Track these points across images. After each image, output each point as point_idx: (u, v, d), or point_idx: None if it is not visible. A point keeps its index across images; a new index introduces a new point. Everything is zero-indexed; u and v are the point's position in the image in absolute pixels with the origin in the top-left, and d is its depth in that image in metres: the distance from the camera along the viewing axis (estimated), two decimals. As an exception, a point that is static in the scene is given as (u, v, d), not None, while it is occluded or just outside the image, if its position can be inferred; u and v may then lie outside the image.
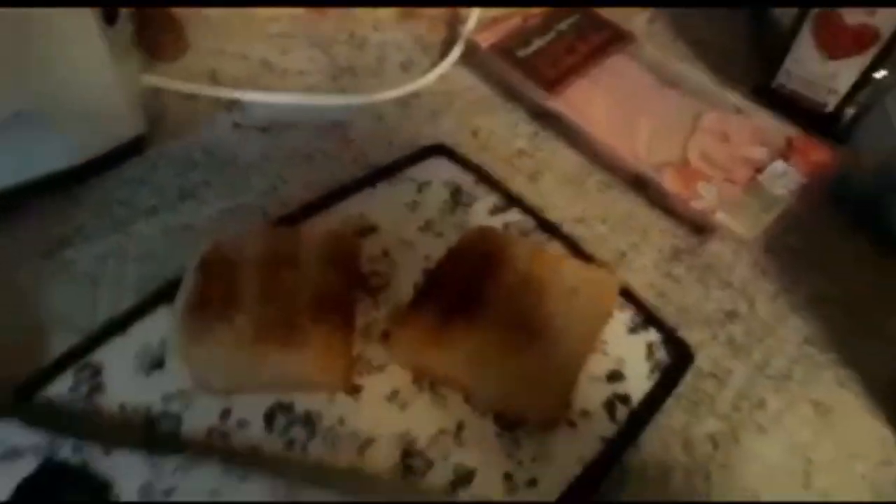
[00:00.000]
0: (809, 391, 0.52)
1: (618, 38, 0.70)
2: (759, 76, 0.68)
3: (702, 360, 0.53)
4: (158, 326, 0.50)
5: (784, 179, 0.60)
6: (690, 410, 0.51)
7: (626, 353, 0.52)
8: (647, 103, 0.64)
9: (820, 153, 0.61)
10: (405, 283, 0.54)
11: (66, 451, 0.45)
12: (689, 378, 0.51)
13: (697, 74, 0.68)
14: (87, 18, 0.52)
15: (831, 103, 0.65)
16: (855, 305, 0.57)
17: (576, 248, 0.56)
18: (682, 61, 0.70)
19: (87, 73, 0.54)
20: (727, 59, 0.72)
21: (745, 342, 0.54)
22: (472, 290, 0.49)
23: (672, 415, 0.50)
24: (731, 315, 0.55)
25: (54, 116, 0.54)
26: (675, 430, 0.50)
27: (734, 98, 0.66)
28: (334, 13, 0.72)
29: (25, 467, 0.45)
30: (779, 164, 0.60)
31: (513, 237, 0.55)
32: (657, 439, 0.49)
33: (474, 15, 0.71)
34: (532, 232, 0.57)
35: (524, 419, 0.48)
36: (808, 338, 0.55)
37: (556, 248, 0.56)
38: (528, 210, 0.59)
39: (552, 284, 0.50)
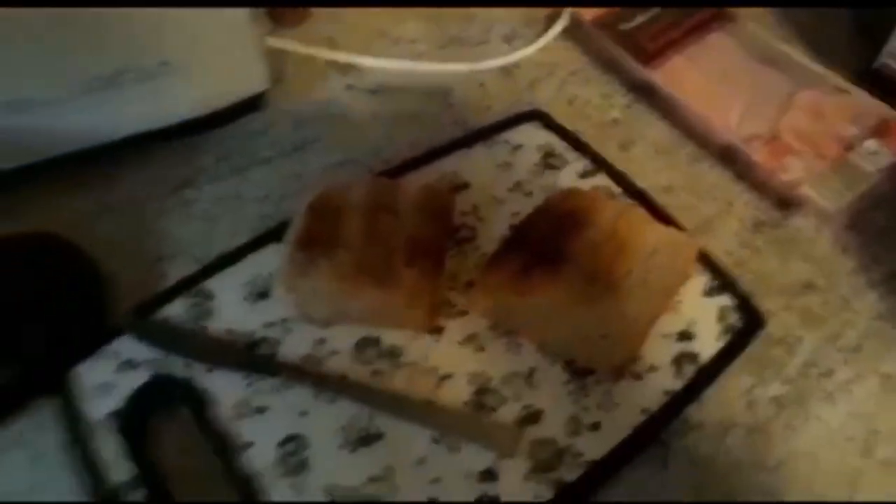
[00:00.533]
0: (879, 365, 0.52)
1: (720, 17, 0.70)
2: (861, 59, 0.67)
3: (774, 327, 0.53)
4: (268, 261, 0.55)
5: (874, 157, 0.59)
6: (757, 374, 0.51)
7: (699, 315, 0.53)
8: (744, 80, 0.65)
9: (915, 135, 0.61)
10: (492, 237, 0.56)
11: (176, 366, 0.51)
12: (759, 343, 0.52)
13: (798, 54, 0.67)
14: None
15: (933, 86, 0.63)
16: (938, 285, 0.56)
17: (660, 214, 0.58)
18: (783, 42, 0.69)
19: (226, 31, 0.59)
20: (831, 41, 0.71)
21: (819, 313, 0.54)
22: (556, 244, 0.51)
23: (739, 377, 0.51)
24: (808, 286, 0.56)
25: (192, 68, 0.58)
26: (740, 391, 0.51)
27: (833, 78, 0.65)
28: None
29: (139, 378, 0.50)
30: (871, 143, 0.60)
31: (600, 197, 0.57)
32: (723, 399, 0.50)
33: (579, -11, 0.73)
34: (619, 197, 0.59)
35: (593, 368, 0.50)
36: (882, 314, 0.54)
37: (640, 213, 0.57)
38: (616, 175, 0.60)
39: (634, 244, 0.52)
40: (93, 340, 0.52)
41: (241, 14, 0.59)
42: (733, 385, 0.51)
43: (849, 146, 0.60)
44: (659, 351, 0.51)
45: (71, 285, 0.53)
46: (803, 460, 0.48)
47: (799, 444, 0.48)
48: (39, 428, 0.49)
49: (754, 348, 0.52)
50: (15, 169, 0.57)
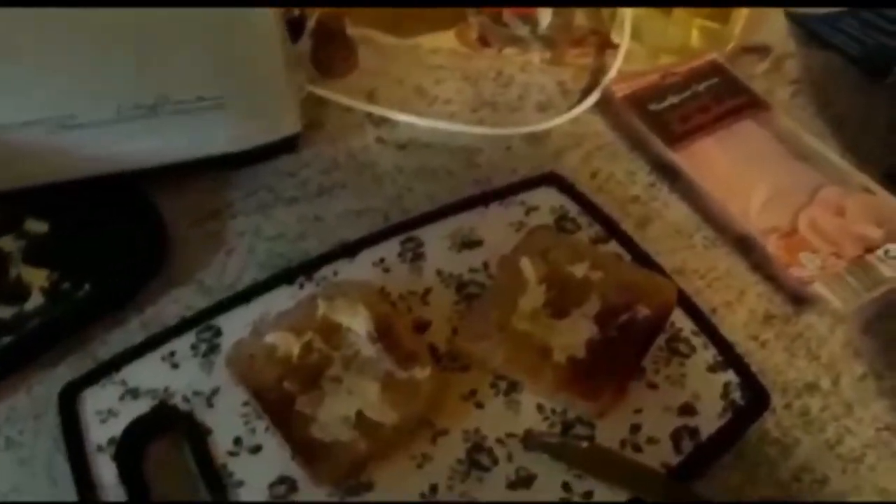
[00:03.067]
0: (879, 478, 0.47)
1: (753, 105, 0.66)
2: (894, 159, 0.63)
3: (771, 426, 0.49)
4: (277, 302, 0.53)
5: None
6: (749, 472, 0.47)
7: (703, 389, 0.49)
8: (768, 170, 0.61)
9: (941, 243, 0.55)
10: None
11: (177, 398, 0.49)
12: (753, 441, 0.48)
13: (828, 150, 0.63)
14: (273, 29, 0.56)
15: (963, 194, 0.58)
16: (950, 400, 0.51)
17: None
18: (816, 136, 0.65)
19: (261, 76, 0.58)
20: (866, 139, 0.66)
21: (819, 416, 0.49)
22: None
23: (730, 474, 0.46)
24: (812, 388, 0.51)
25: (228, 105, 0.57)
26: (729, 487, 0.46)
27: (861, 177, 0.60)
28: (489, 52, 0.73)
29: (141, 407, 0.48)
30: (893, 247, 0.55)
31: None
32: (710, 495, 0.45)
33: (616, 66, 0.69)
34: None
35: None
36: (889, 425, 0.49)
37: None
38: (627, 242, 0.57)
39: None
40: (152, 264, 0.56)
41: (278, 59, 0.57)
42: (722, 481, 0.46)
43: (869, 248, 0.55)
44: (659, 423, 0.47)
45: (134, 220, 0.58)
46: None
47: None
48: (33, 433, 0.48)
49: (748, 446, 0.47)
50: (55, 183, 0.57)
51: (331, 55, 0.71)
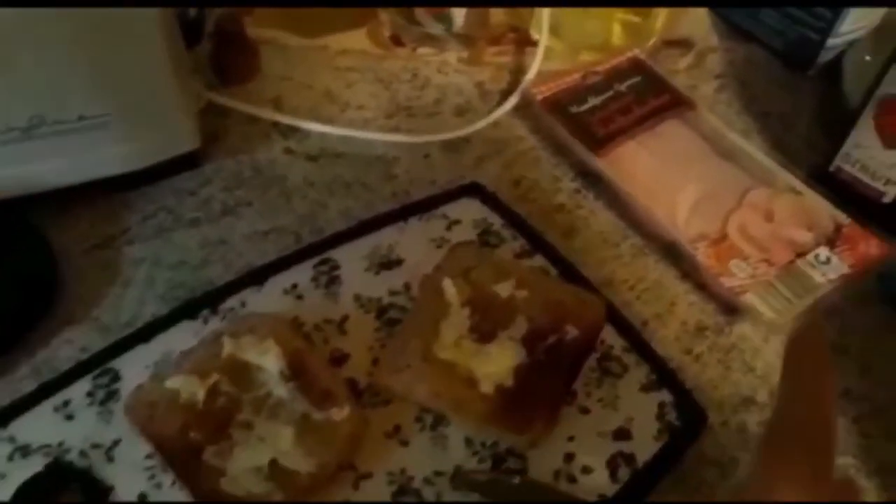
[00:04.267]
0: (820, 494, 0.47)
1: (677, 104, 0.65)
2: (820, 159, 0.63)
3: (708, 446, 0.48)
4: (179, 339, 0.50)
5: (826, 267, 0.54)
6: (688, 497, 0.46)
7: (637, 411, 0.48)
8: (696, 172, 0.60)
9: (870, 244, 0.56)
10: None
11: (74, 454, 0.45)
12: (691, 463, 0.47)
13: (754, 149, 0.63)
14: (158, 34, 0.52)
15: (890, 194, 0.58)
16: (887, 410, 0.51)
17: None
18: (741, 134, 0.65)
19: (149, 88, 0.54)
20: (791, 136, 0.67)
21: (758, 432, 0.49)
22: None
23: (666, 497, 0.45)
24: (748, 402, 0.50)
25: (115, 124, 0.53)
26: (667, 513, 0.45)
27: (788, 177, 0.60)
28: (402, 52, 0.71)
29: (33, 466, 0.45)
30: (823, 251, 0.55)
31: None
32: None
33: (535, 65, 0.68)
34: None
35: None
36: (827, 437, 0.49)
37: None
38: (553, 256, 0.55)
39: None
40: (41, 301, 0.52)
41: (167, 67, 0.53)
42: (660, 508, 0.45)
43: (800, 252, 0.55)
44: (594, 450, 0.46)
45: (19, 252, 0.53)
46: None
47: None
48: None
49: (685, 468, 0.46)
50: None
51: (231, 60, 0.67)
